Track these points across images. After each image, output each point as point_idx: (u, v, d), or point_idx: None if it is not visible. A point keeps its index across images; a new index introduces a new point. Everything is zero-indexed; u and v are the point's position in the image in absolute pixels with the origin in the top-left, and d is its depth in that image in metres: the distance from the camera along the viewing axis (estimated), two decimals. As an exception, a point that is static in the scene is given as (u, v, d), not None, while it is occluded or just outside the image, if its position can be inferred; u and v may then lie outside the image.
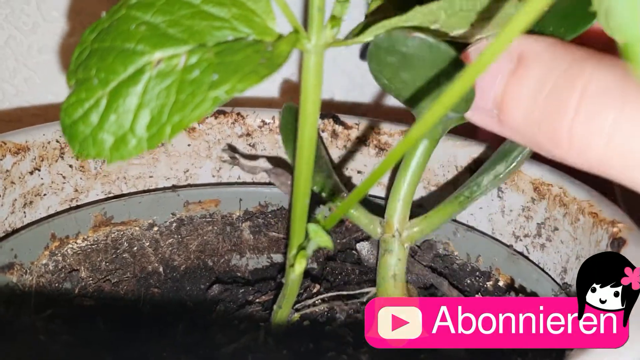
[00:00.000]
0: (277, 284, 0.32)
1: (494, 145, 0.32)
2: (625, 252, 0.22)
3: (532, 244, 0.30)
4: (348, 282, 0.31)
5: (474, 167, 0.32)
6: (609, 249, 0.23)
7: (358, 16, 0.25)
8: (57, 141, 0.32)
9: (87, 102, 0.18)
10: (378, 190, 0.36)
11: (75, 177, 0.33)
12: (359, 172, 0.35)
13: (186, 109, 0.17)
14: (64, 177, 0.33)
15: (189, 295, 0.33)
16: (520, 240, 0.30)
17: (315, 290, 0.30)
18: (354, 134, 0.35)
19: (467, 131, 0.31)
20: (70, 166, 0.33)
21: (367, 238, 0.33)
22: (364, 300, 0.30)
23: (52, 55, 0.42)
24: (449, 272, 0.31)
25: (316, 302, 0.29)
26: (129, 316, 0.31)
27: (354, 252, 0.33)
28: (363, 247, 0.32)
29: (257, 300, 0.31)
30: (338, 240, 0.34)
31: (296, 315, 0.28)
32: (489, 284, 0.28)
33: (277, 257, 0.35)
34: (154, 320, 0.31)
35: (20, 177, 0.31)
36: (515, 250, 0.30)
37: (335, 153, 0.36)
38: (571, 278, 0.27)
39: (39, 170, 0.32)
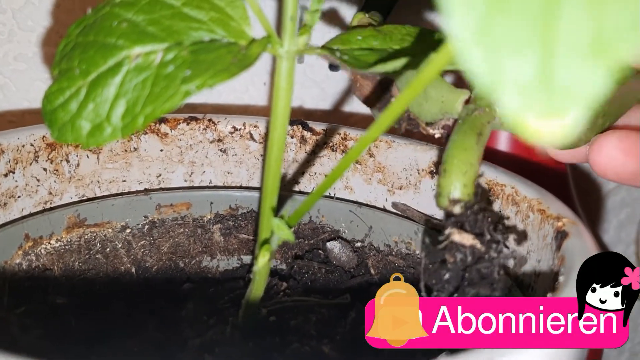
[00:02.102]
0: (247, 282, 0.33)
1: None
2: (567, 243, 0.24)
3: (488, 243, 0.31)
4: (315, 281, 0.33)
5: (435, 170, 0.34)
6: (554, 242, 0.25)
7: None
8: (32, 145, 0.33)
9: (68, 90, 0.19)
10: (345, 194, 0.37)
11: (49, 180, 0.34)
12: (326, 176, 0.37)
13: (159, 101, 0.19)
14: (38, 180, 0.34)
15: (160, 294, 0.34)
16: (477, 239, 0.32)
17: (282, 288, 0.32)
18: (322, 139, 0.37)
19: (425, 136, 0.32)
20: (45, 169, 0.34)
21: (336, 238, 0.35)
22: (330, 297, 0.31)
23: (28, 63, 0.43)
24: (414, 270, 0.33)
25: (283, 298, 0.30)
26: (101, 314, 0.32)
27: (320, 252, 0.35)
28: (334, 246, 0.34)
29: (226, 297, 0.32)
30: (306, 242, 0.36)
31: (263, 311, 0.30)
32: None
33: (247, 259, 0.36)
34: (126, 318, 0.31)
35: (-5, 178, 0.32)
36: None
37: (304, 158, 0.37)
38: (522, 273, 0.28)
39: (14, 172, 0.33)
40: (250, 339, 0.28)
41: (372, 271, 0.34)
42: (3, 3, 0.42)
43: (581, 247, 0.23)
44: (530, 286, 0.27)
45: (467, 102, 0.27)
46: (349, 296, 0.31)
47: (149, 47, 0.19)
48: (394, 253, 0.34)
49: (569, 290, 0.21)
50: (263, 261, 0.24)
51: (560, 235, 0.25)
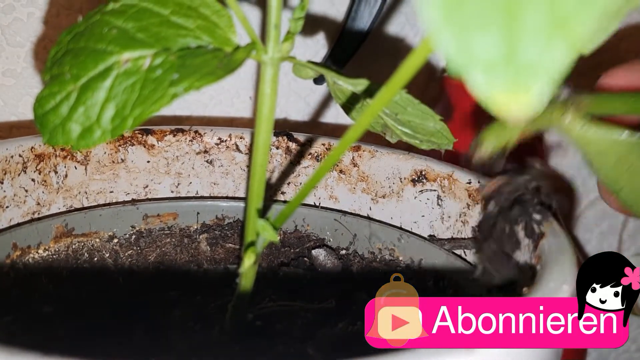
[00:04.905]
0: (233, 290, 0.33)
1: (436, 157, 0.35)
2: (543, 242, 0.25)
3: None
4: (300, 287, 0.33)
5: (416, 179, 0.35)
6: (531, 243, 0.26)
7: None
8: (20, 155, 0.34)
9: (59, 94, 0.19)
10: (330, 204, 0.38)
11: (37, 191, 0.35)
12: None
13: (147, 103, 0.19)
14: (26, 191, 0.34)
15: (147, 303, 0.34)
16: (459, 244, 0.33)
17: (268, 294, 0.32)
18: (307, 150, 0.38)
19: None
20: (33, 180, 0.34)
21: (322, 246, 0.36)
22: (315, 302, 0.32)
23: (16, 78, 0.43)
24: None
25: (268, 303, 0.31)
26: (87, 322, 0.32)
27: (306, 259, 0.35)
28: (319, 254, 0.35)
29: (213, 304, 0.32)
30: (292, 250, 0.36)
31: (249, 316, 0.30)
32: (430, 283, 0.31)
33: (234, 268, 0.37)
34: (112, 326, 0.32)
35: (-17, 189, 0.32)
36: (453, 252, 0.33)
37: (289, 168, 0.38)
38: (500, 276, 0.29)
39: (2, 183, 0.33)
40: (236, 342, 0.28)
41: (357, 278, 0.34)
42: (-8, 19, 0.42)
43: (557, 245, 0.24)
44: (509, 286, 0.28)
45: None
46: (333, 301, 0.31)
47: (137, 53, 0.20)
48: (377, 260, 0.35)
49: (544, 286, 0.21)
50: (249, 263, 0.25)
51: (537, 236, 0.26)
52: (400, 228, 0.35)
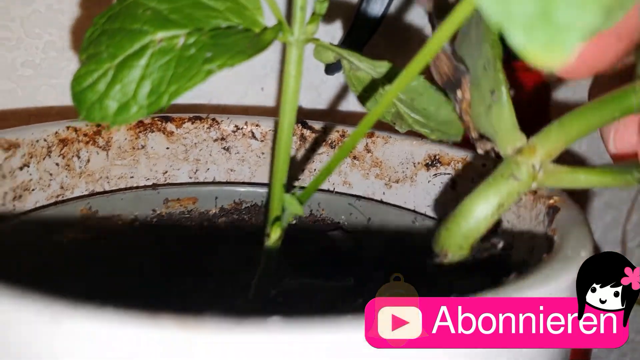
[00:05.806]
0: (251, 273, 0.34)
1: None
2: (558, 216, 0.26)
3: (482, 228, 0.33)
4: (319, 267, 0.34)
5: (430, 163, 0.36)
6: (546, 218, 0.27)
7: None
8: (45, 140, 0.35)
9: (96, 72, 0.20)
10: (344, 189, 0.39)
11: (61, 175, 0.36)
12: (339, 148, 0.38)
13: (182, 80, 0.20)
14: (50, 175, 0.35)
15: (168, 285, 0.35)
16: (472, 224, 0.34)
17: (288, 272, 0.33)
18: (321, 137, 0.39)
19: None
20: (57, 164, 0.35)
21: (337, 229, 0.36)
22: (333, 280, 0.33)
23: (35, 69, 0.44)
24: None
25: (290, 281, 0.32)
26: (109, 303, 0.33)
27: (322, 242, 0.36)
28: (335, 236, 0.36)
29: (232, 285, 0.33)
30: (308, 233, 0.37)
31: (272, 292, 0.31)
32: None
33: (253, 250, 0.38)
34: (133, 307, 0.33)
35: (10, 172, 0.33)
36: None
37: (304, 155, 0.39)
38: (516, 251, 0.30)
39: (28, 166, 0.34)
40: (260, 316, 0.29)
41: (372, 259, 0.35)
42: (12, 11, 0.43)
43: (573, 217, 0.25)
44: (524, 261, 0.29)
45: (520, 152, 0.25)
46: (352, 279, 0.32)
47: (171, 32, 0.21)
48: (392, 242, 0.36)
49: (563, 252, 0.22)
50: (275, 236, 0.25)
51: (552, 211, 0.26)
52: (415, 211, 0.36)
